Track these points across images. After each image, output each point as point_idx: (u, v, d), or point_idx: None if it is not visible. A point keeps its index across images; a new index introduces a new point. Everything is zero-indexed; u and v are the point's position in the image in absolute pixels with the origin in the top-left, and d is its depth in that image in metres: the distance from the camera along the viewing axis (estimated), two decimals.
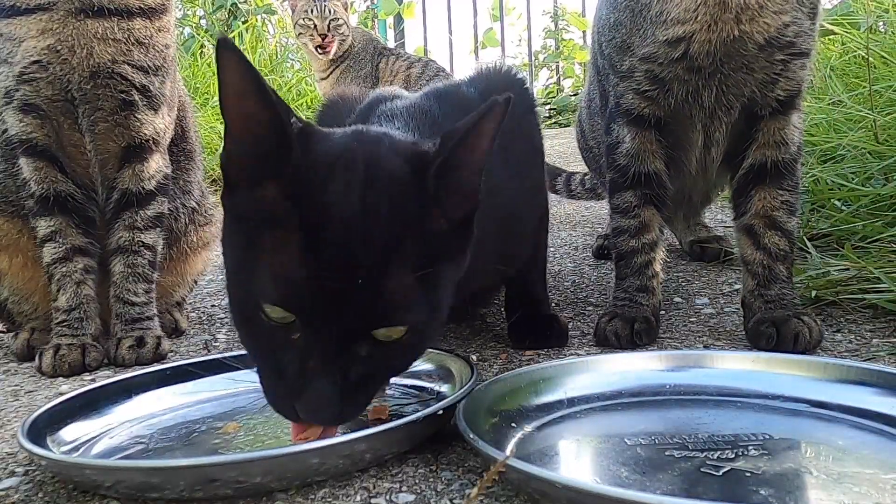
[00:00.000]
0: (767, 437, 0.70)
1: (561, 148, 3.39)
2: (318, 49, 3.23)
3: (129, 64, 1.18)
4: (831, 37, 2.12)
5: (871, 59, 1.64)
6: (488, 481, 0.47)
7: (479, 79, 1.08)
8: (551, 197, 2.24)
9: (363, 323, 0.63)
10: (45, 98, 1.16)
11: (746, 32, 0.99)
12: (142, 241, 1.24)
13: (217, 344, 1.29)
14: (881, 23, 2.10)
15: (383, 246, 0.63)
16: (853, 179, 1.50)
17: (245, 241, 0.66)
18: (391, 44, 4.98)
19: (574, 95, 4.72)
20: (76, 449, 0.78)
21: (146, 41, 1.20)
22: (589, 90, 1.58)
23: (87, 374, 1.15)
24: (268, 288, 0.63)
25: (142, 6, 1.19)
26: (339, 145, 0.69)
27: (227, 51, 0.64)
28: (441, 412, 0.71)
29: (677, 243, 1.72)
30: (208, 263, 1.52)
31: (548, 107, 4.81)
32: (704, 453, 0.67)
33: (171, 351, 1.25)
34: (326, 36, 3.17)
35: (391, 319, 0.64)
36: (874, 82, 1.67)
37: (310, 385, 0.62)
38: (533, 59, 5.20)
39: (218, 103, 3.54)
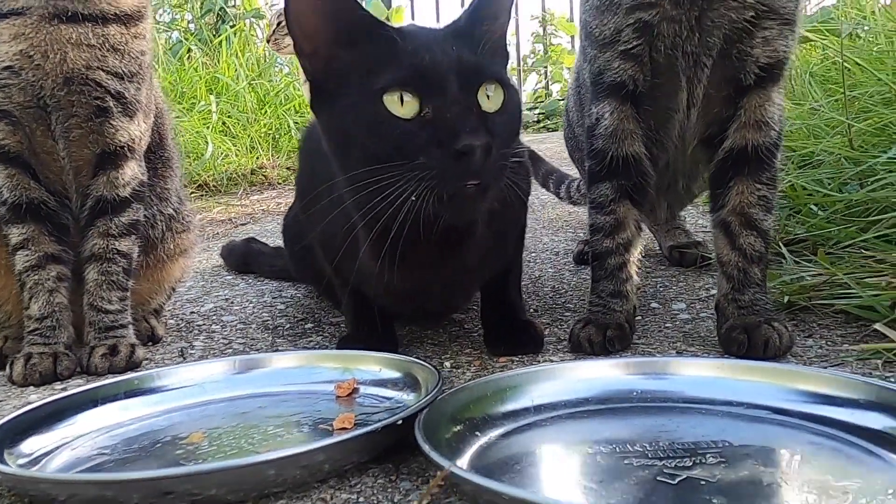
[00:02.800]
0: (727, 444, 0.71)
1: (549, 152, 3.39)
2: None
3: (103, 70, 1.18)
4: (811, 43, 2.14)
5: (846, 65, 1.65)
6: (431, 490, 0.47)
7: None
8: (544, 199, 2.25)
9: (475, 79, 0.83)
10: (17, 104, 1.15)
11: None
12: (116, 249, 1.23)
13: (193, 352, 1.29)
14: (860, 29, 2.11)
15: (474, 45, 0.86)
16: (829, 185, 1.51)
17: (358, 88, 0.85)
18: None
19: (562, 100, 4.74)
20: (36, 461, 0.78)
21: (121, 47, 1.19)
22: (578, 75, 1.57)
23: (59, 382, 1.14)
24: (398, 77, 0.81)
25: (117, 13, 1.19)
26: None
27: None
28: (400, 422, 0.71)
29: (657, 248, 1.73)
30: (187, 271, 1.52)
31: (536, 111, 4.82)
32: (663, 461, 0.67)
33: (147, 359, 1.24)
34: None
35: (490, 72, 0.85)
36: (852, 88, 1.68)
37: (458, 124, 0.79)
38: (521, 63, 5.22)
39: (205, 107, 3.51)
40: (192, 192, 1.49)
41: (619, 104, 1.12)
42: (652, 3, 1.04)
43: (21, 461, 0.77)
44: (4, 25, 1.13)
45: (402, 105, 0.81)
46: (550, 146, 3.57)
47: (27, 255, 1.18)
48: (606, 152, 1.13)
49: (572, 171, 2.09)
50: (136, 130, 1.24)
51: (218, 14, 4.41)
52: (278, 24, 3.18)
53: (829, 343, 1.08)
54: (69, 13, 1.14)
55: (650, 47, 1.07)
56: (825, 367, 0.98)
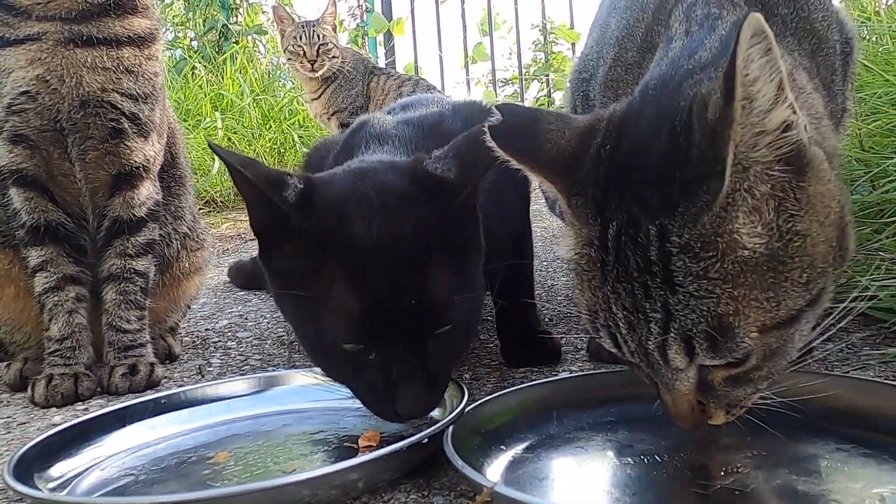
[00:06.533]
0: (756, 453, 0.70)
1: None
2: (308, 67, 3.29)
3: (118, 92, 1.19)
4: None
5: None
6: None
7: (462, 109, 1.13)
8: (543, 212, 2.25)
9: (422, 331, 0.74)
10: (34, 128, 1.16)
11: None
12: (133, 268, 1.24)
13: (211, 369, 1.29)
14: (865, 29, 2.12)
15: (417, 260, 0.74)
16: None
17: (295, 298, 0.76)
18: (381, 61, 5.01)
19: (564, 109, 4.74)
20: (65, 484, 0.78)
21: (135, 69, 1.21)
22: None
23: (80, 403, 1.14)
24: (334, 331, 0.74)
25: (131, 35, 1.20)
26: (345, 185, 0.79)
27: (218, 153, 0.79)
28: (427, 440, 0.72)
29: None
30: (201, 288, 1.53)
31: None
32: (694, 471, 0.67)
33: (165, 377, 1.25)
34: (315, 62, 3.23)
35: (444, 320, 0.75)
36: (859, 90, 1.68)
37: (399, 389, 0.73)
38: (523, 72, 5.23)
39: (210, 123, 3.54)
40: (200, 209, 1.50)
41: None
42: None
43: (51, 485, 0.77)
44: (21, 51, 1.14)
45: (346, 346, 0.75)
46: None
47: (46, 277, 1.19)
48: None
49: None
50: (150, 150, 1.25)
51: (221, 31, 4.44)
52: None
53: (849, 347, 1.08)
54: (84, 37, 1.15)
55: None
56: (847, 372, 0.97)
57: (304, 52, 3.24)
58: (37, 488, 0.73)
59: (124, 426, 0.88)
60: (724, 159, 0.55)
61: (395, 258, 0.73)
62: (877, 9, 2.19)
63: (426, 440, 0.71)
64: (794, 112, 0.57)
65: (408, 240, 0.74)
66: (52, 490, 0.75)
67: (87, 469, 0.81)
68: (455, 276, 0.76)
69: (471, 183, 0.78)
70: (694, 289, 0.56)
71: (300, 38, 3.24)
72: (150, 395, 1.00)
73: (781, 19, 0.76)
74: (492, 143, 0.65)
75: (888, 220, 1.32)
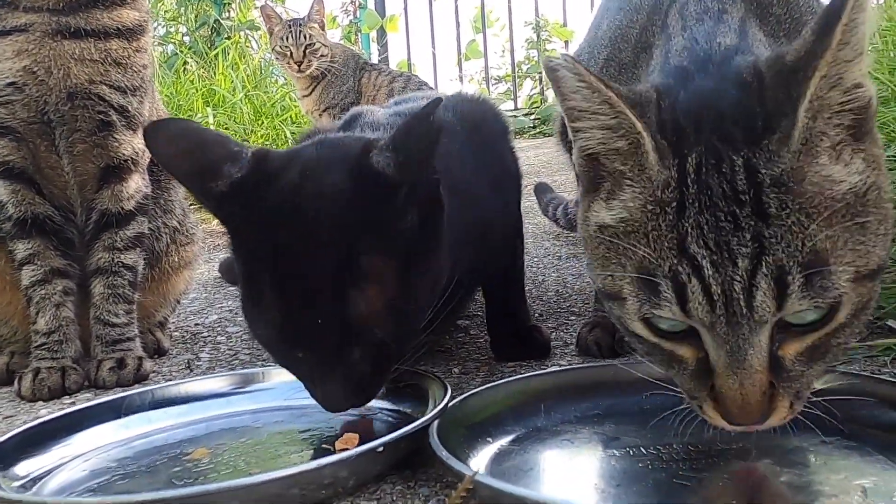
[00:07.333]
0: (740, 445, 0.71)
1: (545, 157, 3.41)
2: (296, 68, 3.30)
3: (106, 84, 1.18)
4: None
5: None
6: (456, 498, 0.48)
7: (456, 102, 1.12)
8: (535, 209, 2.25)
9: (343, 341, 0.70)
10: (21, 120, 1.16)
11: None
12: (122, 262, 1.24)
13: (200, 363, 1.29)
14: None
15: (340, 271, 0.70)
16: None
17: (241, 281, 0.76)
18: (375, 57, 5.00)
19: (557, 106, 4.74)
20: (34, 482, 0.76)
21: (124, 62, 1.20)
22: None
23: (67, 397, 1.14)
24: (264, 335, 0.75)
25: (119, 27, 1.20)
26: (279, 188, 0.74)
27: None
28: (381, 448, 0.70)
29: None
30: (191, 282, 1.52)
31: (532, 116, 4.84)
32: (678, 463, 0.67)
33: (154, 371, 1.24)
34: (302, 62, 3.23)
35: (366, 333, 0.70)
36: None
37: (318, 390, 0.74)
38: (516, 69, 5.24)
39: (201, 119, 3.52)
40: (191, 204, 1.49)
41: None
42: None
43: (16, 483, 0.75)
44: (8, 42, 1.13)
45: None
46: (546, 151, 3.58)
47: (33, 270, 1.19)
48: None
49: (567, 177, 2.09)
50: (139, 144, 1.25)
51: (213, 27, 4.41)
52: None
53: None
54: (72, 29, 1.15)
55: None
56: (834, 366, 0.98)
57: (291, 53, 3.24)
58: (1, 488, 0.71)
59: (94, 424, 0.87)
60: (800, 97, 0.55)
61: (316, 270, 0.70)
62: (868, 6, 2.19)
63: (381, 448, 0.69)
64: (866, 76, 0.58)
65: (332, 250, 0.70)
66: (17, 489, 0.73)
67: (56, 467, 0.79)
68: (393, 281, 0.71)
69: (410, 177, 0.71)
70: (792, 221, 0.54)
71: (286, 38, 3.25)
72: (125, 393, 0.98)
73: (776, 18, 0.77)
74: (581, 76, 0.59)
75: None
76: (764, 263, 0.54)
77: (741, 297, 0.55)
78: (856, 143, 0.58)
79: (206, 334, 1.47)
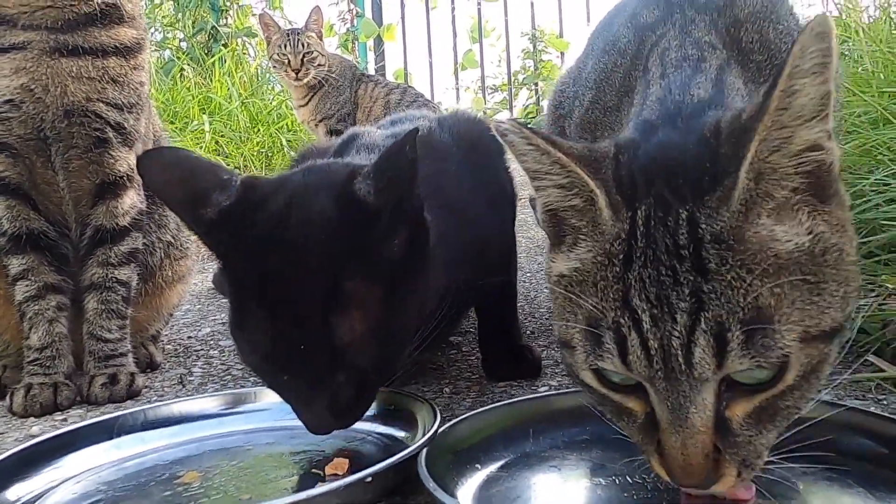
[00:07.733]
0: None
1: None
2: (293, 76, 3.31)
3: (103, 102, 1.19)
4: None
5: None
6: None
7: (453, 122, 1.13)
8: (529, 222, 2.27)
9: (325, 367, 0.72)
10: (17, 137, 1.16)
11: None
12: (115, 278, 1.24)
13: (192, 378, 1.29)
14: (845, 49, 2.15)
15: (323, 300, 0.72)
16: None
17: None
18: (371, 66, 5.01)
19: None
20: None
21: (121, 79, 1.21)
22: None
23: (59, 413, 1.14)
24: (250, 359, 0.78)
25: (117, 45, 1.21)
26: (266, 216, 0.76)
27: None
28: (370, 478, 0.71)
29: None
30: (184, 296, 1.53)
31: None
32: (663, 493, 0.68)
33: (146, 386, 1.24)
34: (300, 71, 3.25)
35: (348, 360, 0.72)
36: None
37: (302, 414, 0.76)
38: (512, 79, 5.26)
39: (197, 126, 3.50)
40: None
41: None
42: None
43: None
44: (5, 59, 1.14)
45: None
46: None
47: (27, 286, 1.19)
48: None
49: None
50: (135, 160, 1.25)
51: (210, 33, 4.42)
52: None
53: None
54: (70, 47, 1.15)
55: None
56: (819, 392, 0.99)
57: (289, 62, 3.25)
58: None
59: (86, 445, 0.87)
60: (743, 157, 0.54)
61: (301, 295, 0.72)
62: (857, 29, 2.22)
63: (369, 479, 0.70)
64: (829, 137, 0.56)
65: (317, 276, 0.72)
66: None
67: (46, 491, 0.79)
68: (376, 305, 0.73)
69: (390, 203, 0.73)
70: (732, 277, 0.53)
71: (285, 46, 3.26)
72: (115, 414, 0.98)
73: (756, 65, 0.77)
74: (536, 139, 0.60)
75: (864, 239, 1.34)
76: (703, 319, 0.53)
77: (679, 352, 0.54)
78: (819, 205, 0.57)
79: (198, 348, 1.48)
